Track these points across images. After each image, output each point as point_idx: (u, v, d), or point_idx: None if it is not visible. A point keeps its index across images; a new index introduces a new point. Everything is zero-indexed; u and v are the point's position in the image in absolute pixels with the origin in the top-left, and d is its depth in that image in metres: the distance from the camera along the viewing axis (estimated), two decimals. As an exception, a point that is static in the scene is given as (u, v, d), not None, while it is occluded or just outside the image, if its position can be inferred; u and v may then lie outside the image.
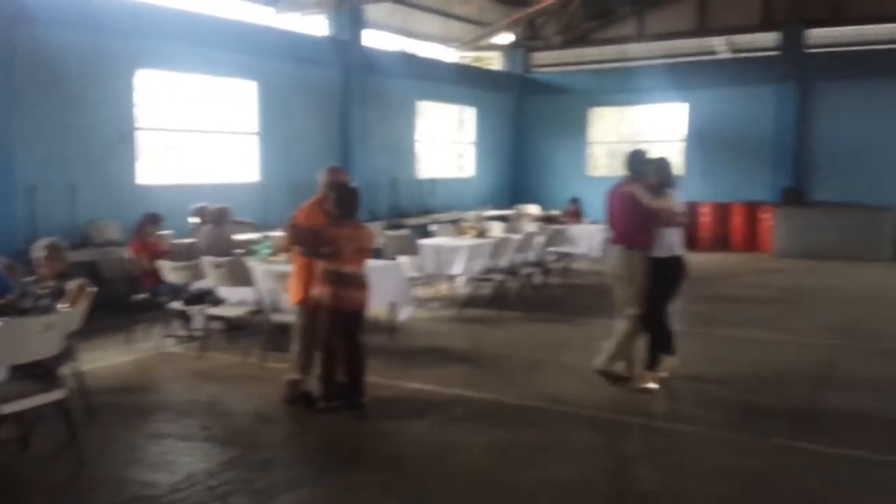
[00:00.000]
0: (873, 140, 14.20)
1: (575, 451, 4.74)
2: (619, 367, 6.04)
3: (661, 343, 5.97)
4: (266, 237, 7.90)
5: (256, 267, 6.81)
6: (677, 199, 5.91)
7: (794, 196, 14.56)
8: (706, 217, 15.15)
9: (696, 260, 13.34)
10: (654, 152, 6.22)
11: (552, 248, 10.57)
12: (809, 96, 14.85)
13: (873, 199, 13.85)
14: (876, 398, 5.75)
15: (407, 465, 4.52)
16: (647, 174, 5.93)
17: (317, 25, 13.12)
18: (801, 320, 8.60)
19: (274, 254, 7.36)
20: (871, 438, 4.90)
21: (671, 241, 5.85)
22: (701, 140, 15.88)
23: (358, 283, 5.28)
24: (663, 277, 5.85)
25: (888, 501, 4.07)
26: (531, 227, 11.32)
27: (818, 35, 15.13)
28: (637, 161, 6.03)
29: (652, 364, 5.95)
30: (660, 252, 5.83)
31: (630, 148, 6.54)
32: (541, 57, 18.15)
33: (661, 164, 5.97)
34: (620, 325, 6.01)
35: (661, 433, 5.19)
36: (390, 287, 7.35)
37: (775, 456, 4.65)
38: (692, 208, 14.95)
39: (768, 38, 15.53)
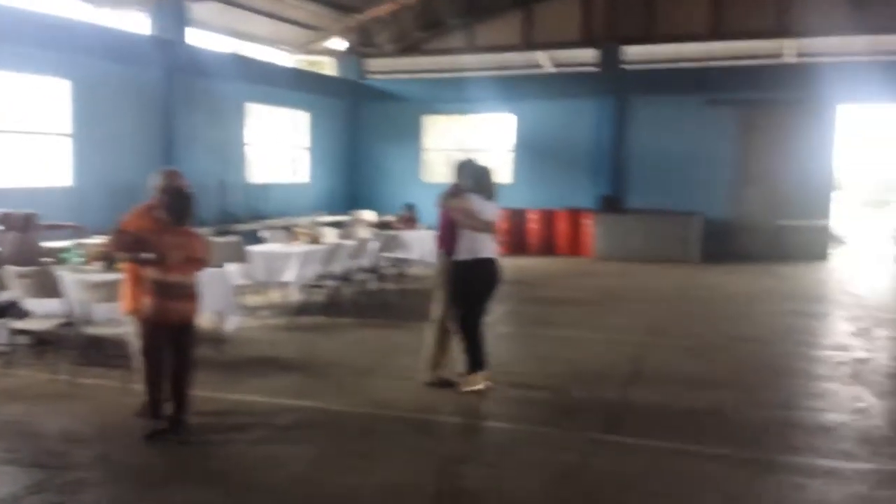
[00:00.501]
0: (682, 151, 15.39)
1: (402, 455, 4.79)
2: (446, 371, 6.18)
3: (475, 346, 6.07)
4: (79, 244, 7.40)
5: (67, 276, 6.36)
6: (491, 207, 6.05)
7: (611, 203, 15.51)
8: (534, 223, 15.80)
9: (525, 264, 14.03)
10: (484, 160, 6.40)
11: (386, 254, 10.64)
12: (626, 110, 15.88)
13: (683, 205, 15.01)
14: (681, 392, 6.22)
15: (231, 480, 4.39)
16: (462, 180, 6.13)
17: (138, 23, 12.47)
18: (618, 319, 9.17)
19: (87, 262, 6.91)
20: (676, 430, 5.29)
21: (477, 245, 5.96)
22: (528, 150, 16.57)
23: (184, 293, 5.05)
24: (467, 281, 6.00)
25: (690, 487, 4.40)
26: (366, 232, 11.33)
27: (633, 52, 16.23)
28: (460, 169, 6.20)
29: (474, 366, 6.10)
30: (464, 255, 5.97)
31: (461, 156, 6.71)
32: (375, 64, 18.26)
33: (475, 170, 6.12)
34: (428, 331, 6.18)
35: (484, 432, 5.39)
36: (216, 295, 7.09)
37: (589, 449, 4.93)
38: (520, 215, 15.60)
39: (588, 55, 16.49)
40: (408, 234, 11.55)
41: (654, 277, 12.50)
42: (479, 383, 6.06)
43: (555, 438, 5.13)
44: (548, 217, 15.80)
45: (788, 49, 15.98)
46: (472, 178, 6.08)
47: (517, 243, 15.55)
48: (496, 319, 8.98)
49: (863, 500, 4.18)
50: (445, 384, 6.10)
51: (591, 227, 15.07)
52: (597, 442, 5.06)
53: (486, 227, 5.97)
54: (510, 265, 13.24)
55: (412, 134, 17.58)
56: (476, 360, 6.06)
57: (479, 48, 17.16)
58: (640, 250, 14.34)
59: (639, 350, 7.55)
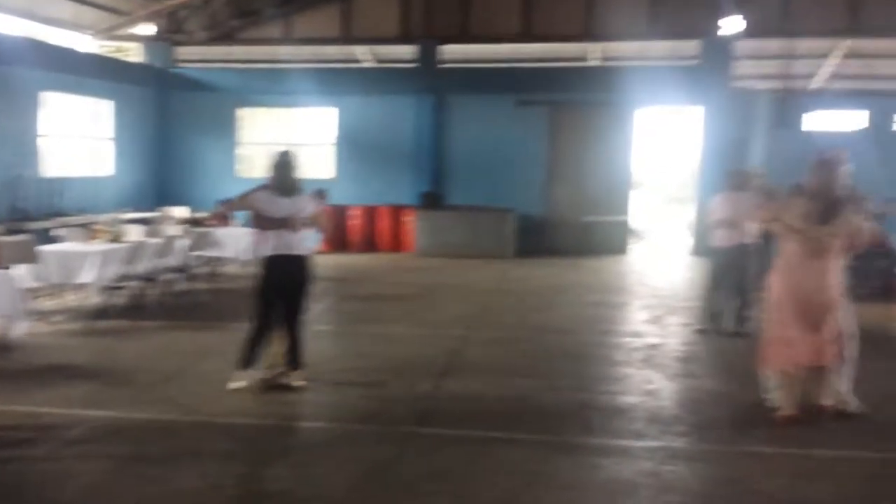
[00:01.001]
0: (497, 150, 15.90)
1: (207, 460, 4.60)
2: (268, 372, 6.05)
3: (253, 344, 5.95)
4: None
5: None
6: (287, 202, 5.86)
7: (432, 200, 15.77)
8: (356, 220, 15.75)
9: (346, 261, 13.95)
10: (295, 154, 6.22)
11: (198, 252, 10.17)
12: (445, 108, 16.17)
13: (499, 202, 15.52)
14: (492, 382, 6.42)
15: (19, 497, 4.02)
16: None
17: None
18: (436, 314, 9.33)
19: None
20: (487, 419, 5.46)
21: (274, 242, 5.83)
22: (350, 145, 16.46)
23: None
24: (264, 278, 5.89)
25: (495, 472, 4.55)
26: (174, 230, 10.78)
27: (451, 51, 16.57)
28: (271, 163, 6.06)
29: (294, 362, 6.00)
30: (263, 252, 5.88)
31: (278, 150, 6.51)
32: (186, 52, 17.40)
33: (274, 164, 6.00)
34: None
35: (295, 433, 5.31)
36: (1, 299, 6.47)
37: (403, 443, 4.96)
38: (342, 211, 15.50)
39: (407, 51, 16.64)
40: (221, 231, 11.12)
41: (472, 272, 12.84)
42: (299, 379, 5.98)
43: (369, 435, 5.12)
44: (370, 213, 15.80)
45: (593, 52, 16.98)
46: (273, 172, 5.96)
47: (339, 240, 15.43)
48: (315, 317, 8.86)
49: (650, 476, 4.50)
50: (281, 386, 5.98)
51: (413, 224, 15.24)
52: (411, 435, 5.11)
53: (274, 223, 5.81)
54: (331, 262, 13.23)
55: (227, 126, 16.93)
56: (247, 359, 5.91)
57: (296, 39, 16.82)
58: (459, 246, 14.69)
59: (455, 343, 7.72)
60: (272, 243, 5.84)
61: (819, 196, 5.21)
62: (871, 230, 5.36)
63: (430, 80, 16.14)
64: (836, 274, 5.28)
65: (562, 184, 15.87)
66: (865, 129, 15.31)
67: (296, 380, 6.00)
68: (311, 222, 6.10)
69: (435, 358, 7.10)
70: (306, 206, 6.02)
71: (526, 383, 6.35)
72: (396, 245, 15.63)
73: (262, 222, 5.85)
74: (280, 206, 5.85)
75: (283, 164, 5.98)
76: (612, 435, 5.20)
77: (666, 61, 16.63)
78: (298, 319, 6.05)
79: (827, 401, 5.41)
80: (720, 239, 8.12)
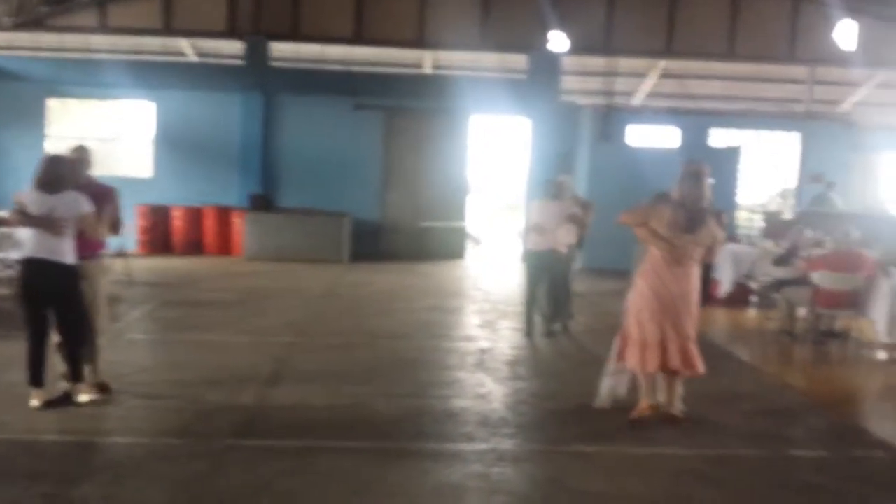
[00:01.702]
0: (333, 153, 15.59)
1: (10, 481, 4.13)
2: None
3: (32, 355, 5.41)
4: None
5: None
6: (48, 200, 5.26)
7: (262, 202, 15.20)
8: (179, 221, 14.89)
9: (168, 265, 13.14)
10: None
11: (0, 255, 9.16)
12: (275, 108, 15.64)
13: (334, 206, 15.21)
14: (322, 390, 6.17)
15: None
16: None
17: None
18: (264, 320, 8.92)
19: None
20: (315, 428, 5.23)
21: (29, 244, 5.31)
22: (170, 142, 15.51)
23: None
24: (21, 283, 5.40)
25: (322, 483, 4.33)
26: (-33, 230, 9.63)
27: (281, 49, 16.09)
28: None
29: (75, 375, 5.46)
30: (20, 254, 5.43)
31: (83, 145, 5.93)
32: (-11, 38, 15.81)
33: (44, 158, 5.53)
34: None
35: (104, 450, 4.85)
36: None
37: (221, 457, 4.63)
38: (163, 212, 14.62)
39: (234, 47, 15.98)
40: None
41: (304, 277, 12.48)
42: (87, 392, 5.48)
43: (183, 449, 4.74)
44: (195, 215, 14.98)
45: (427, 60, 17.10)
46: (40, 167, 5.39)
47: (160, 242, 14.54)
48: (128, 326, 8.23)
49: (478, 478, 4.47)
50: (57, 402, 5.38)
51: (242, 226, 14.62)
52: (231, 448, 4.79)
53: (32, 222, 5.23)
54: (151, 266, 12.41)
55: (35, 118, 15.50)
56: (33, 374, 5.35)
57: (112, 29, 15.68)
58: (291, 250, 14.24)
59: (283, 350, 7.38)
60: (28, 245, 5.27)
61: (685, 205, 5.38)
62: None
63: (258, 78, 15.55)
64: (696, 281, 5.49)
65: (398, 188, 15.83)
66: (681, 146, 16.43)
67: (80, 394, 5.43)
68: (84, 224, 5.35)
69: (260, 366, 6.74)
70: (75, 205, 5.29)
71: (358, 390, 6.16)
72: (224, 248, 14.92)
73: (25, 221, 5.24)
74: (41, 204, 5.22)
75: (51, 159, 5.45)
76: (444, 439, 5.13)
77: (497, 73, 17.06)
78: (72, 329, 5.44)
79: (673, 409, 5.52)
80: (532, 243, 8.42)
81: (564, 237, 8.19)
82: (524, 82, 16.14)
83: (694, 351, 5.45)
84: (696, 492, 4.42)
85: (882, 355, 8.00)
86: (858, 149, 16.05)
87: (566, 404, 5.94)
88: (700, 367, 5.45)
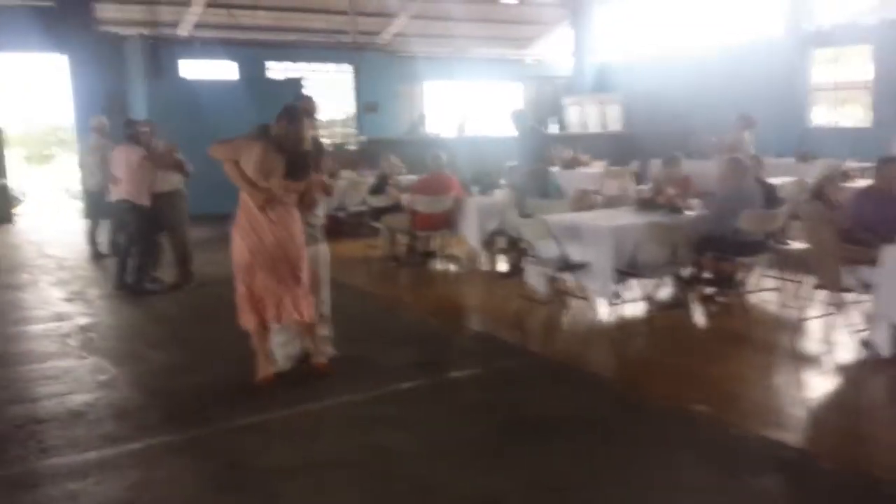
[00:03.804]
0: None
1: None
2: None
3: None
4: None
5: None
6: None
7: None
8: None
9: None
10: None
11: None
12: None
13: None
14: None
15: None
16: None
17: None
18: None
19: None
20: None
21: None
22: None
23: None
24: None
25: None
26: None
27: None
28: None
29: None
30: None
31: None
32: None
33: None
34: None
35: None
36: None
37: None
38: None
39: None
40: None
41: None
42: None
43: None
44: None
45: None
46: None
47: None
48: None
49: (142, 487, 3.74)
50: None
51: None
52: None
53: None
54: None
55: None
56: None
57: None
58: None
59: None
60: None
61: (283, 146, 4.84)
62: (325, 183, 5.31)
63: None
64: (297, 225, 5.01)
65: None
66: (239, 79, 15.92)
67: None
68: None
69: None
70: None
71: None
72: None
73: None
74: None
75: None
76: (81, 447, 4.21)
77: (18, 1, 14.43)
78: None
79: (319, 358, 5.23)
80: (114, 193, 7.83)
81: (142, 185, 7.60)
82: (52, 11, 13.95)
83: (306, 299, 5.02)
84: (387, 438, 4.28)
85: (481, 267, 8.72)
86: (405, 78, 17.35)
87: (211, 376, 5.34)
88: (308, 315, 5.02)
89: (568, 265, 6.32)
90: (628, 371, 5.42)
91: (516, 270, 7.80)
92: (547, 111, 18.68)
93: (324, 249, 5.40)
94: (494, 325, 6.61)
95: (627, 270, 6.13)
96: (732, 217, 6.15)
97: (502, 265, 8.59)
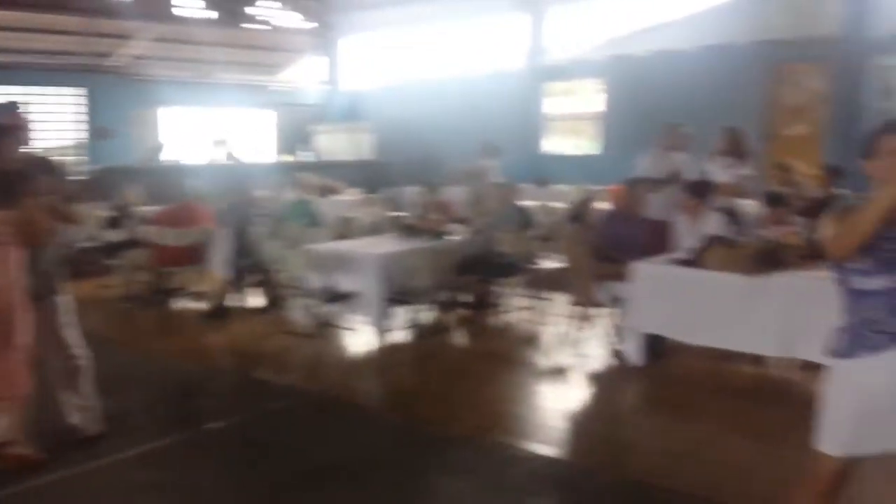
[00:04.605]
0: None
1: None
2: None
3: None
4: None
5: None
6: None
7: None
8: None
9: None
10: None
11: None
12: None
13: None
14: None
15: None
16: None
17: None
18: None
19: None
20: None
21: None
22: None
23: None
24: None
25: None
26: None
27: None
28: None
29: None
30: None
31: None
32: None
33: None
34: None
35: None
36: None
37: None
38: None
39: None
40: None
41: None
42: None
43: None
44: None
45: None
46: None
47: None
48: None
49: None
50: None
51: None
52: None
53: None
54: None
55: None
56: None
57: None
58: None
59: None
60: None
61: None
62: (63, 215, 4.34)
63: None
64: (13, 270, 3.86)
65: None
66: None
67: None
68: None
69: None
70: None
71: None
72: None
73: None
74: None
75: None
76: None
77: None
78: None
79: (72, 419, 4.38)
80: None
81: None
82: None
83: (15, 366, 3.90)
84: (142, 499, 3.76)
85: (235, 303, 8.02)
86: (145, 103, 16.10)
87: None
88: (22, 386, 3.97)
89: (335, 296, 6.09)
90: (403, 401, 5.28)
91: (275, 304, 7.39)
92: (298, 139, 18.37)
93: (64, 301, 4.34)
94: (256, 366, 6.11)
95: (396, 297, 6.04)
96: (493, 240, 6.31)
97: (258, 300, 8.06)
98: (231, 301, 7.88)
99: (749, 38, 11.80)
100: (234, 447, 4.51)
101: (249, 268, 7.81)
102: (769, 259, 5.00)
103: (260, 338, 6.90)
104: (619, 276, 5.52)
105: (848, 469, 2.65)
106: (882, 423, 2.55)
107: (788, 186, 7.75)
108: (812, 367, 4.89)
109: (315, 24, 18.78)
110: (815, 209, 6.26)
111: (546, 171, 13.35)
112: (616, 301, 5.71)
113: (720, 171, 7.27)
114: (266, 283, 7.84)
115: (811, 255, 5.02)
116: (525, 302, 7.32)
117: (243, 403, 5.26)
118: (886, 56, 10.71)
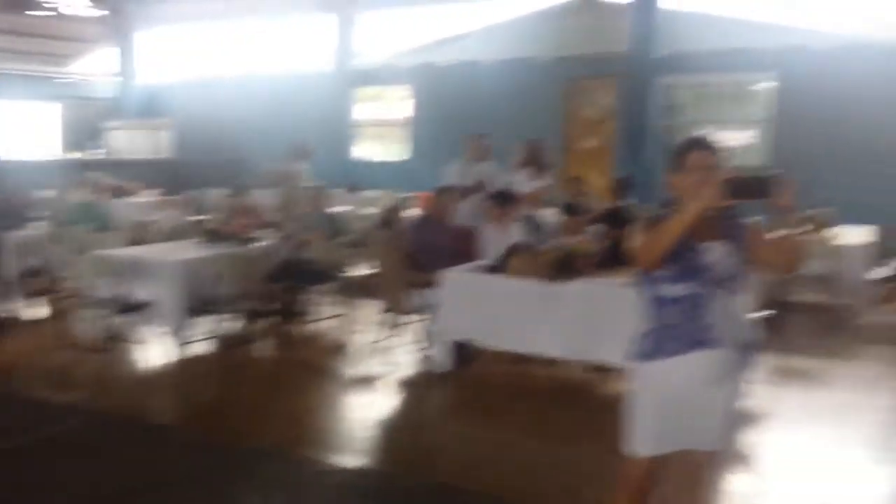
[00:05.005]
0: None
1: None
2: None
3: None
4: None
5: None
6: None
7: None
8: None
9: None
10: None
11: None
12: None
13: None
14: None
15: None
16: None
17: None
18: None
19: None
20: None
21: None
22: None
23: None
24: None
25: None
26: None
27: None
28: None
29: None
30: None
31: None
32: None
33: None
34: None
35: None
36: None
37: None
38: None
39: None
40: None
41: None
42: None
43: None
44: None
45: None
46: None
47: None
48: None
49: None
50: None
51: None
52: None
53: None
54: None
55: None
56: None
57: None
58: None
59: None
60: None
61: None
62: None
63: None
64: None
65: None
66: None
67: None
68: None
69: None
70: None
71: None
72: None
73: None
74: None
75: None
76: None
77: None
78: None
79: None
80: None
81: None
82: None
83: None
84: None
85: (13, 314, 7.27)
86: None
87: None
88: None
89: (128, 306, 5.67)
90: (204, 415, 5.00)
91: (59, 314, 6.78)
92: (87, 134, 17.02)
93: None
94: (35, 384, 5.54)
95: (198, 307, 5.72)
96: (304, 246, 6.17)
97: (40, 310, 7.35)
98: (4, 311, 7.13)
99: (545, 53, 12.43)
100: (12, 477, 4.04)
101: (28, 274, 7.13)
102: (566, 266, 5.26)
103: (41, 352, 6.28)
104: (429, 283, 5.58)
105: (656, 468, 2.79)
106: (680, 421, 2.71)
107: (579, 198, 8.23)
108: (603, 370, 5.24)
109: (106, 12, 17.44)
110: (604, 219, 6.70)
111: (356, 176, 13.29)
112: (426, 308, 5.77)
113: (523, 182, 7.57)
114: (49, 291, 7.18)
115: (602, 262, 5.36)
116: (335, 309, 7.22)
117: (20, 428, 4.73)
118: (669, 75, 11.68)
